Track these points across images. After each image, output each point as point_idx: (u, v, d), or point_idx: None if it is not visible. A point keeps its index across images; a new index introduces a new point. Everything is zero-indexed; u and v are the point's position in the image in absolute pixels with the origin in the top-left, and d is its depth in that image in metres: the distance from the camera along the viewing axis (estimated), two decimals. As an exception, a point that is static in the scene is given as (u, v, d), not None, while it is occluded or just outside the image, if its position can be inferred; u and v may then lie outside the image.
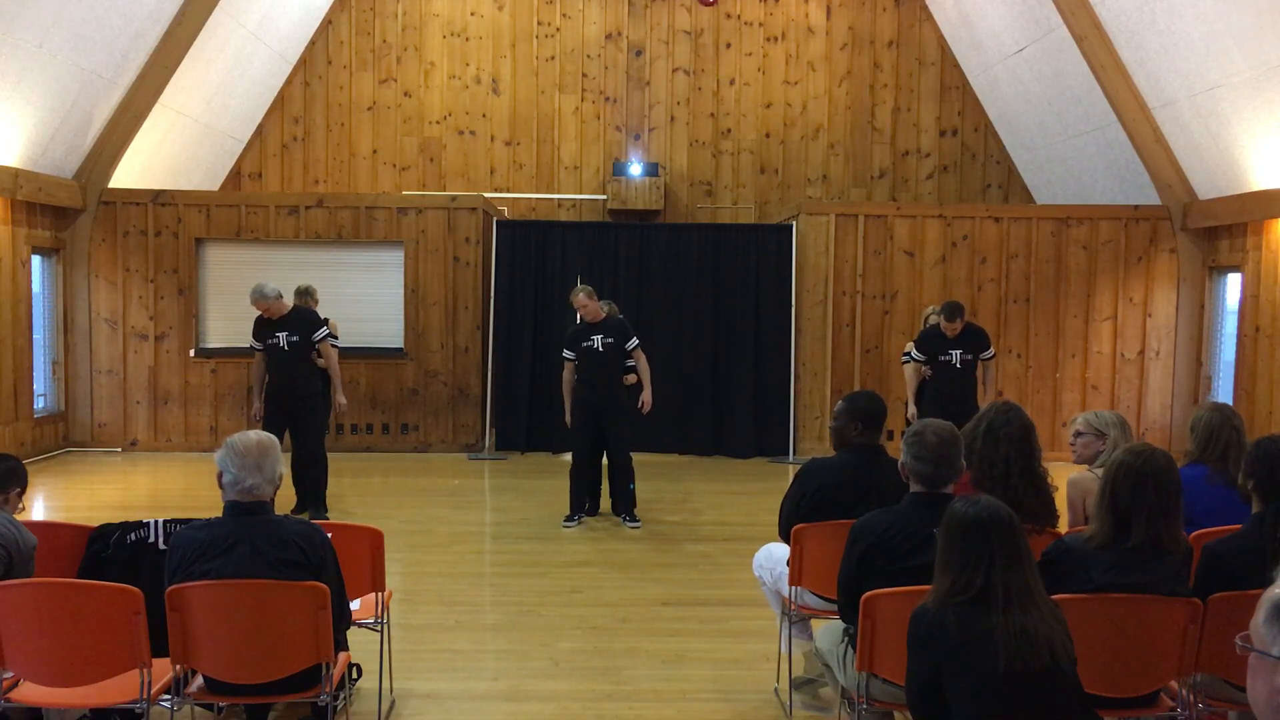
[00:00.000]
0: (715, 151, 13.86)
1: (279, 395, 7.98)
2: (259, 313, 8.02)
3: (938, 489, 3.63)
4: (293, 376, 7.97)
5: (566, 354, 8.10)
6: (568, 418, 8.10)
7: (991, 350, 8.83)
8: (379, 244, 11.37)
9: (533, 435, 11.42)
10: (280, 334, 7.94)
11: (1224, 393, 10.60)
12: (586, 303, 7.98)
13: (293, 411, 7.99)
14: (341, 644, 3.94)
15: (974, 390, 8.64)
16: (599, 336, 7.95)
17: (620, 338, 8.01)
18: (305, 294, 8.83)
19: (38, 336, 10.80)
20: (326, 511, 8.04)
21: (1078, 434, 4.82)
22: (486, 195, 12.78)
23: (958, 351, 8.51)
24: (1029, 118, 12.80)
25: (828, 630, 4.14)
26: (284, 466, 3.79)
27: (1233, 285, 10.68)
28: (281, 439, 7.63)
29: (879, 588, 3.53)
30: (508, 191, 13.71)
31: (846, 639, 3.86)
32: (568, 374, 8.12)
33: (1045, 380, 11.28)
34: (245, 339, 8.33)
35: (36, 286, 10.76)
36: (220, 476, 3.66)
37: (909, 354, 8.97)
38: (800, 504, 4.59)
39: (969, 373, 8.59)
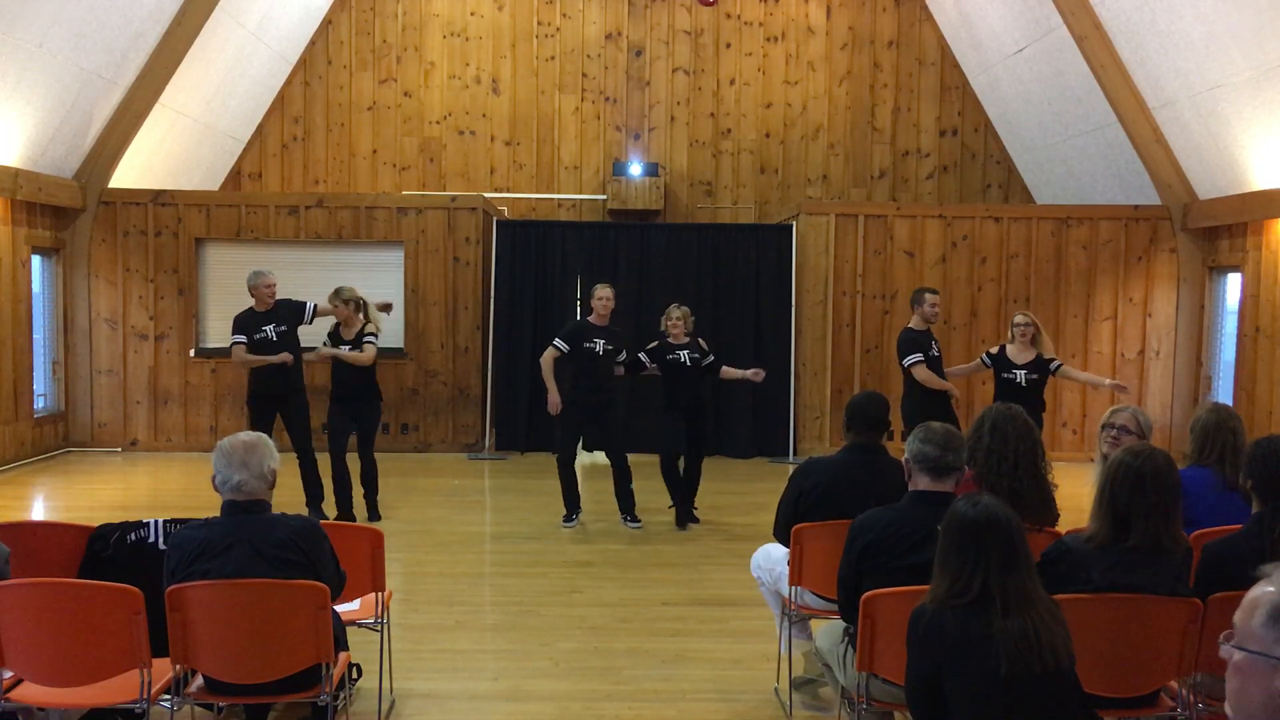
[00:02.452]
0: (715, 151, 13.86)
1: (267, 390, 7.95)
2: (250, 306, 8.02)
3: (942, 479, 3.64)
4: (280, 368, 7.93)
5: (560, 344, 7.89)
6: (555, 397, 7.84)
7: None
8: (379, 244, 11.37)
9: (533, 435, 11.41)
10: (268, 326, 7.94)
11: (1224, 393, 10.60)
12: (607, 295, 7.95)
13: (283, 403, 7.98)
14: (342, 643, 3.93)
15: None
16: (601, 341, 7.92)
17: (619, 347, 8.03)
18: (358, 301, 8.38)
19: (38, 336, 10.80)
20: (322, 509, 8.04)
21: (1125, 430, 4.54)
22: (486, 195, 12.78)
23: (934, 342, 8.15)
24: (1029, 118, 12.80)
25: (828, 630, 4.15)
26: (277, 463, 3.74)
27: (1233, 285, 10.68)
28: (271, 434, 7.67)
29: (879, 585, 3.53)
30: (508, 191, 13.71)
31: (846, 639, 3.87)
32: (549, 355, 7.86)
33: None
34: (246, 339, 8.30)
35: (36, 286, 10.75)
36: (214, 479, 3.68)
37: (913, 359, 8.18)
38: (798, 502, 4.59)
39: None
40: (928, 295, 8.22)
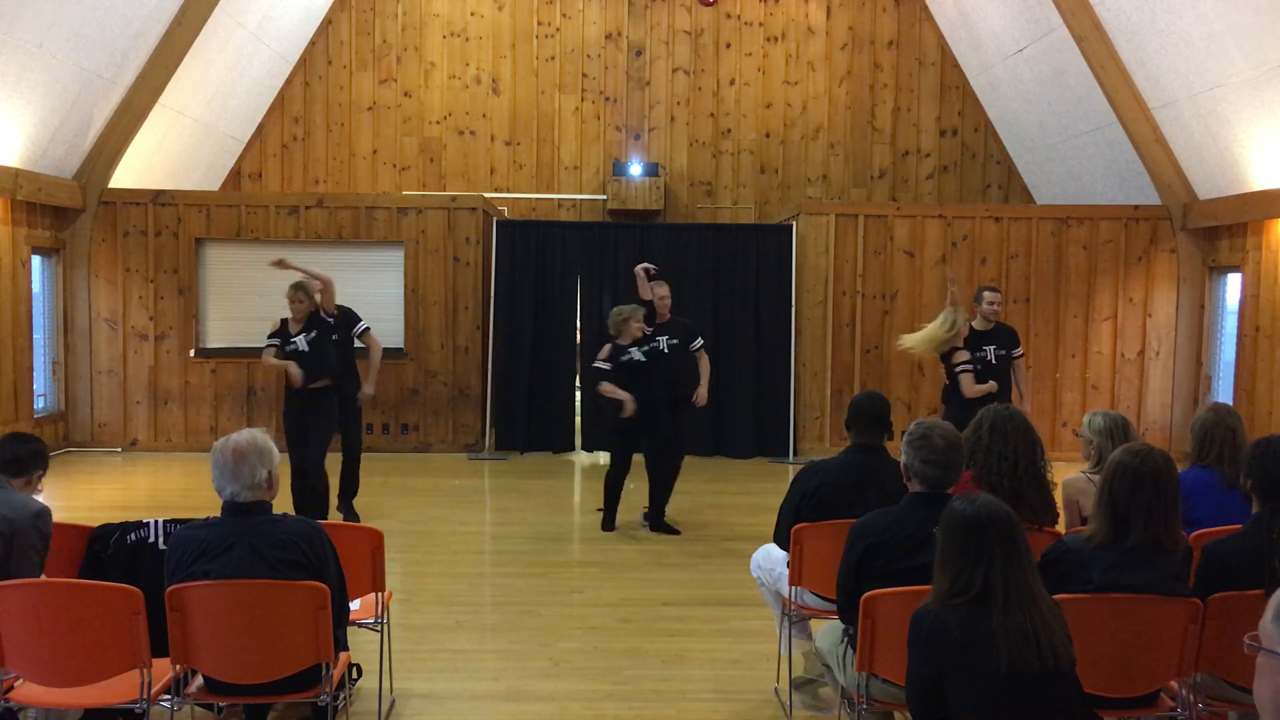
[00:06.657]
0: (715, 151, 13.85)
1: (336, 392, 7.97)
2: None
3: (941, 490, 3.64)
4: (341, 375, 7.97)
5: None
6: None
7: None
8: (379, 244, 11.37)
9: (532, 435, 11.41)
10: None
11: (1224, 393, 10.60)
12: (667, 295, 7.88)
13: (343, 409, 8.02)
14: (342, 643, 3.94)
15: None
16: (664, 338, 7.85)
17: (685, 338, 7.90)
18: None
19: (38, 336, 10.79)
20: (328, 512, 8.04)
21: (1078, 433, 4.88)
22: (486, 195, 12.78)
23: (992, 347, 7.80)
24: (1029, 118, 12.79)
25: (828, 630, 4.14)
26: (274, 464, 3.67)
27: (1233, 285, 10.68)
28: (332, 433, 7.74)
29: (878, 588, 3.53)
30: (508, 191, 13.71)
31: (846, 639, 3.86)
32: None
33: (1045, 380, 11.27)
34: (245, 339, 8.32)
35: (36, 286, 10.75)
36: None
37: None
38: (800, 505, 4.59)
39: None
40: (986, 293, 7.92)
